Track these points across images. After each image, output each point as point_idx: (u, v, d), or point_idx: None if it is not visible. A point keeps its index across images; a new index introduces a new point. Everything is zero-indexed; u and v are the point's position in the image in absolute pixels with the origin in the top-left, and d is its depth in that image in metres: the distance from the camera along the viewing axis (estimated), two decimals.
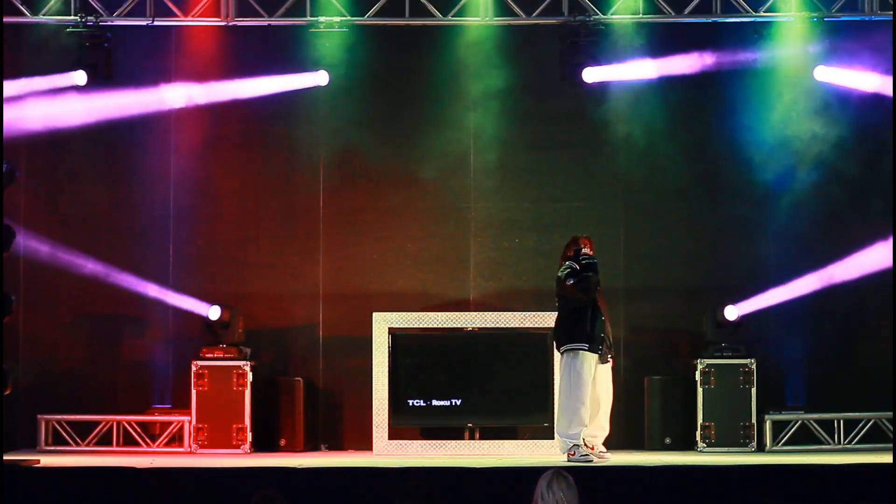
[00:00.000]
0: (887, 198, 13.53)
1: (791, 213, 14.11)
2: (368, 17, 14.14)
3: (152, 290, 13.97)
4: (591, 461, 11.78)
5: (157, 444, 13.72)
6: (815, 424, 13.63)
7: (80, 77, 13.90)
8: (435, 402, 13.34)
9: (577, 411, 11.90)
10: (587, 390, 11.94)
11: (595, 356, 11.98)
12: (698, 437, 13.42)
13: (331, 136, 14.29)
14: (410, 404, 13.35)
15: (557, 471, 7.26)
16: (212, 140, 14.30)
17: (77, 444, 13.70)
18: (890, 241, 13.20)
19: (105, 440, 13.72)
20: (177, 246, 14.25)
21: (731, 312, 13.58)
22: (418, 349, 13.51)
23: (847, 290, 13.96)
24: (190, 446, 13.56)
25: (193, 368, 13.57)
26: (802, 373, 14.06)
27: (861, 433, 13.60)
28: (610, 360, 12.18)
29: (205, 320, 13.75)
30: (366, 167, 14.31)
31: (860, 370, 13.92)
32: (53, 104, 14.03)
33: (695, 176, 14.23)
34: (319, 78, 14.09)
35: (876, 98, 13.92)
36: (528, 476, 10.77)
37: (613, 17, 14.07)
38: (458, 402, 13.30)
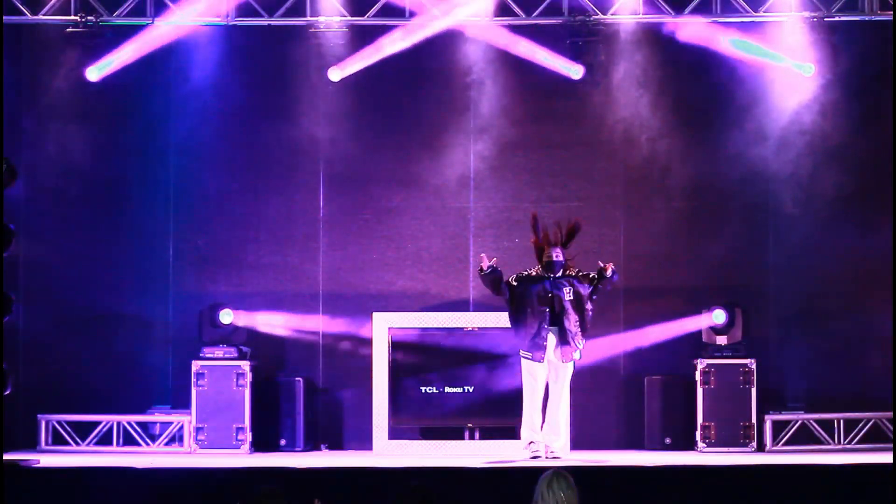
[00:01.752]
0: (887, 196, 13.58)
1: (791, 212, 14.12)
2: (368, 17, 14.15)
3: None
4: (537, 458, 12.06)
5: (157, 444, 13.72)
6: (815, 424, 13.63)
7: (91, 73, 13.91)
8: (447, 389, 13.36)
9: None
10: (525, 395, 12.19)
11: (529, 361, 12.15)
12: (698, 437, 13.42)
13: (331, 136, 14.28)
14: (423, 391, 13.36)
15: (557, 471, 7.26)
16: (213, 140, 14.29)
17: (77, 444, 13.69)
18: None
19: (105, 440, 13.72)
20: (177, 246, 14.25)
21: (720, 316, 13.58)
22: (418, 349, 13.51)
23: (848, 290, 13.99)
24: (190, 446, 13.56)
25: (193, 368, 13.57)
26: (802, 373, 14.06)
27: (861, 433, 13.60)
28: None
29: (215, 323, 13.71)
30: (366, 167, 14.30)
31: (860, 370, 13.92)
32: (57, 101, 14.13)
33: (695, 175, 14.23)
34: (332, 74, 14.08)
35: (875, 96, 13.94)
36: (528, 476, 10.80)
37: (613, 17, 14.08)
38: (472, 389, 13.28)
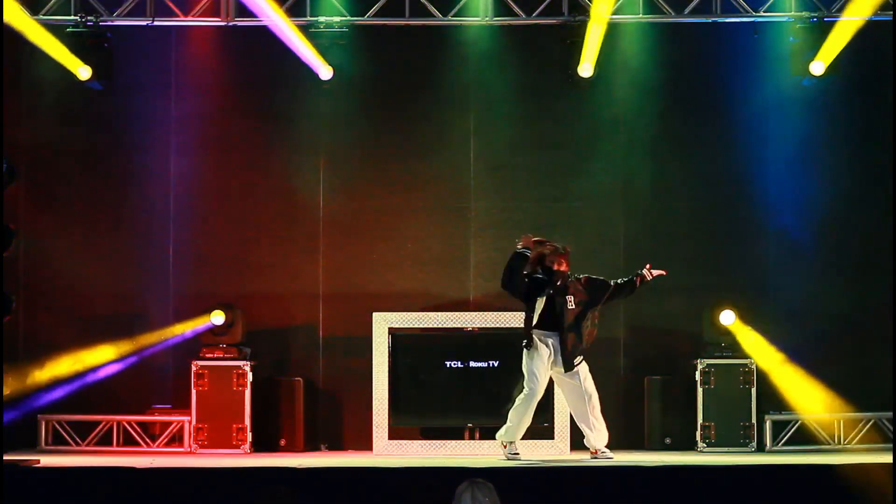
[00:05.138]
0: (887, 196, 13.59)
1: (791, 212, 14.12)
2: (368, 17, 14.15)
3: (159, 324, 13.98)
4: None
5: (157, 444, 13.73)
6: (815, 424, 13.63)
7: (83, 72, 13.89)
8: (472, 364, 13.38)
9: None
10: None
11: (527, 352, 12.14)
12: (698, 437, 13.42)
13: (331, 136, 14.29)
14: (448, 365, 13.37)
15: (474, 481, 7.10)
16: (212, 140, 14.30)
17: (77, 444, 13.70)
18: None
19: (105, 440, 13.73)
20: (177, 246, 14.26)
21: (728, 317, 13.57)
22: (418, 349, 13.51)
23: (847, 290, 14.00)
24: (190, 446, 13.57)
25: (193, 368, 13.57)
26: (802, 373, 14.05)
27: (861, 433, 13.60)
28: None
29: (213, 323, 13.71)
30: (366, 167, 14.31)
31: (860, 370, 13.91)
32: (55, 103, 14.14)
33: (695, 175, 14.25)
34: (323, 73, 14.06)
35: (875, 96, 13.95)
36: (528, 476, 10.81)
37: (613, 17, 14.08)
38: (496, 364, 13.22)
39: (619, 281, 12.30)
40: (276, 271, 14.25)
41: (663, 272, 12.31)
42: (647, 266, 12.29)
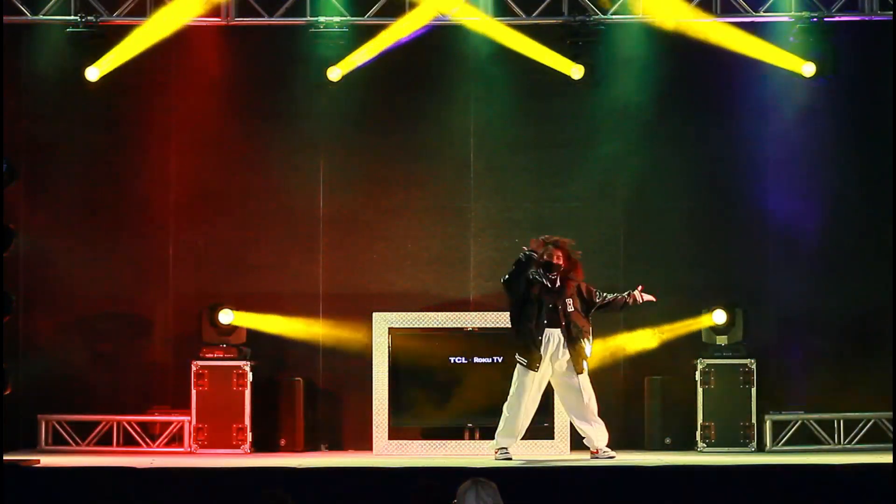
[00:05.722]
0: (887, 196, 13.59)
1: (790, 212, 14.12)
2: (368, 17, 14.16)
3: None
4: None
5: (157, 444, 13.72)
6: (815, 424, 13.63)
7: (91, 73, 13.88)
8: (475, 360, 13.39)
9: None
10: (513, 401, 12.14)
11: (524, 367, 12.10)
12: (698, 437, 13.42)
13: (331, 136, 14.29)
14: (451, 361, 13.34)
15: (477, 479, 7.09)
16: (212, 140, 14.30)
17: (77, 444, 13.69)
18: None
19: (105, 440, 13.72)
20: (177, 246, 14.25)
21: (720, 316, 13.56)
22: (418, 349, 13.51)
23: (847, 290, 14.00)
24: (190, 446, 13.56)
25: (193, 368, 13.56)
26: (802, 373, 14.06)
27: (861, 433, 13.60)
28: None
29: (215, 323, 13.68)
30: (366, 167, 14.31)
31: (860, 370, 13.91)
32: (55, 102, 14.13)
33: (695, 175, 14.24)
34: (331, 74, 14.04)
35: (875, 96, 13.95)
36: (528, 476, 10.81)
37: (613, 17, 14.09)
38: (500, 359, 13.21)
39: (606, 296, 12.30)
40: (276, 271, 14.25)
41: (653, 299, 12.34)
42: (640, 287, 12.31)
